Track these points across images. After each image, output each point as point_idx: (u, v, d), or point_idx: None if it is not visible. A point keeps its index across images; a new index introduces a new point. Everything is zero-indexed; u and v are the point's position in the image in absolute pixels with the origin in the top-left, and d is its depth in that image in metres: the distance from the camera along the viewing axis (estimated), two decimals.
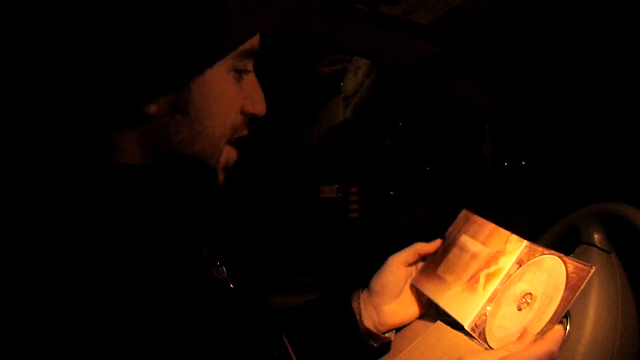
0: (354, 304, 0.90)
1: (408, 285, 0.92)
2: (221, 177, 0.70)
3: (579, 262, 0.74)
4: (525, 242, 0.82)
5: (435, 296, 0.88)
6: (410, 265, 0.92)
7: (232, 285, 0.70)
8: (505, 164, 1.66)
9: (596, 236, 0.94)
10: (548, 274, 0.75)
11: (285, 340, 0.78)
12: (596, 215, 0.95)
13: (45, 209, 0.57)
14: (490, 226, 0.89)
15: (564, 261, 0.75)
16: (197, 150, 0.65)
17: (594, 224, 0.95)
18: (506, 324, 0.76)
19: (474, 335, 0.80)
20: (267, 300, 0.81)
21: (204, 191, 0.69)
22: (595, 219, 0.95)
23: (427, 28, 1.03)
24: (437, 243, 0.93)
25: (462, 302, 0.83)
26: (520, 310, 0.75)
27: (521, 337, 0.71)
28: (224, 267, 0.71)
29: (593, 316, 0.83)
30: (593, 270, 0.72)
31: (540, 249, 0.80)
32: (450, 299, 0.86)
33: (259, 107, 0.70)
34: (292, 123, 1.66)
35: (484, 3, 0.96)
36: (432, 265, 0.93)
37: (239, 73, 0.67)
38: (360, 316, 0.89)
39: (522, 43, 1.11)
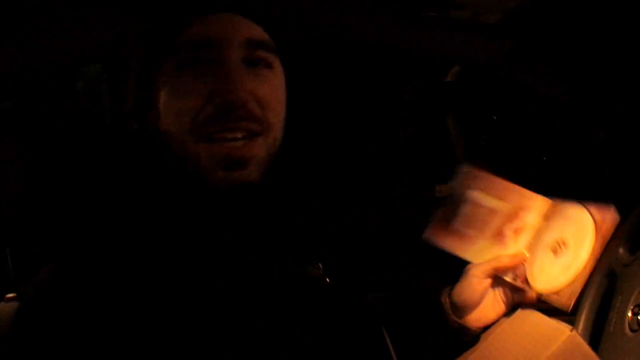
0: (443, 299, 0.92)
1: (488, 293, 0.89)
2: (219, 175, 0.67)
3: (602, 208, 0.82)
4: (550, 201, 0.88)
5: (460, 251, 0.92)
6: (490, 277, 0.87)
7: (327, 280, 0.76)
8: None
9: None
10: (574, 221, 0.84)
11: (384, 332, 0.82)
12: None
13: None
14: (501, 181, 0.92)
15: (587, 208, 0.83)
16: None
17: None
18: (546, 267, 0.84)
19: (515, 283, 0.86)
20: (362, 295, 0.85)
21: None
22: None
23: (497, 27, 1.05)
24: (519, 256, 0.87)
25: (495, 255, 0.88)
26: (556, 253, 0.84)
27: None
28: (319, 263, 0.77)
29: None
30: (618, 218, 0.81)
31: (564, 203, 0.86)
32: (479, 253, 0.90)
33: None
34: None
35: None
36: (443, 221, 0.94)
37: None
38: (449, 310, 0.91)
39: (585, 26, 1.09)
